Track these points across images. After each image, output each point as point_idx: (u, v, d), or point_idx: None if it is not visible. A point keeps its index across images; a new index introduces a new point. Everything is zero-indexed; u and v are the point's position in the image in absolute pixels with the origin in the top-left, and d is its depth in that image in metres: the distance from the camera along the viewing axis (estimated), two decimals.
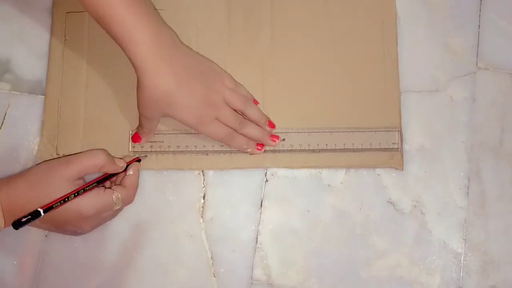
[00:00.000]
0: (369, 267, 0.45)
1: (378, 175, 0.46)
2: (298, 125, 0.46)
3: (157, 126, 0.45)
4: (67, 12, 0.47)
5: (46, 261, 0.45)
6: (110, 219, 0.44)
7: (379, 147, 0.45)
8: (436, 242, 0.45)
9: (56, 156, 0.45)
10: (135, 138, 0.46)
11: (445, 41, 0.48)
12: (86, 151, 0.44)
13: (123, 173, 0.44)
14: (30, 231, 0.45)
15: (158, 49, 0.40)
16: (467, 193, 0.46)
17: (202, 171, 0.46)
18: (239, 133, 0.45)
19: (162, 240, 0.45)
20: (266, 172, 0.46)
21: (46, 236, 0.45)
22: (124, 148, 0.46)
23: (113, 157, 0.43)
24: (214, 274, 0.45)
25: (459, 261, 0.45)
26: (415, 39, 0.49)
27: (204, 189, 0.46)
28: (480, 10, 0.49)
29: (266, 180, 0.46)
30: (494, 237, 0.45)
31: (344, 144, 0.46)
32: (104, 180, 0.43)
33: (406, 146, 0.47)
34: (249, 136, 0.45)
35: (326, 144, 0.46)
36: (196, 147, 0.46)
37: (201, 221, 0.46)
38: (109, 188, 0.43)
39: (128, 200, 0.44)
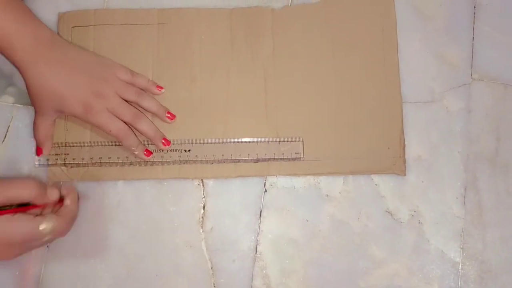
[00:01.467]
0: (368, 276, 0.45)
1: (376, 185, 0.47)
2: (301, 133, 0.47)
3: (52, 130, 0.45)
4: (73, 27, 0.48)
5: (47, 271, 0.45)
6: (38, 247, 0.42)
7: (282, 157, 0.46)
8: (434, 251, 0.45)
9: (64, 168, 0.46)
10: (38, 151, 0.46)
11: (440, 53, 0.49)
12: (18, 179, 0.43)
13: (59, 204, 0.43)
14: None
15: (36, 48, 0.42)
16: (464, 202, 0.46)
17: (202, 181, 0.47)
18: (135, 128, 0.45)
19: (162, 250, 0.46)
20: (265, 182, 0.47)
21: (47, 247, 0.45)
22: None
23: (46, 186, 0.42)
24: (214, 284, 0.45)
25: (457, 270, 0.45)
26: (411, 51, 0.49)
27: (204, 199, 0.46)
28: (474, 23, 0.50)
29: (265, 191, 0.47)
30: (491, 246, 0.46)
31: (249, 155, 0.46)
32: (24, 206, 0.41)
33: None
34: (143, 132, 0.45)
35: (240, 154, 0.46)
36: (101, 159, 0.46)
37: (201, 231, 0.46)
38: (40, 215, 0.41)
39: (60, 231, 0.41)
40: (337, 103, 0.48)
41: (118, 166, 0.46)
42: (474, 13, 0.50)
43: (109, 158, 0.46)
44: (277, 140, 0.47)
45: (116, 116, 0.44)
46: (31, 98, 0.43)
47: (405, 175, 0.46)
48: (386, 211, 0.46)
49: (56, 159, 0.46)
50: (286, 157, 0.46)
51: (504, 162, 0.47)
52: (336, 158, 0.47)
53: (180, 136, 0.47)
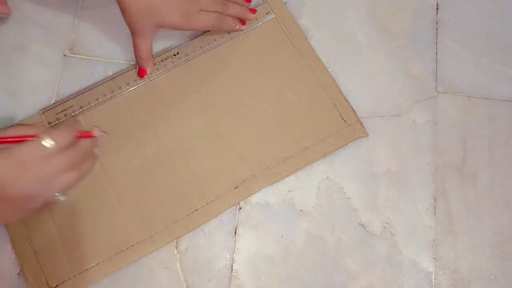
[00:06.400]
0: None
1: (349, 198, 0.47)
2: (260, 162, 0.47)
3: (151, 47, 0.48)
4: None
5: None
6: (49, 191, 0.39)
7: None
8: (407, 262, 0.46)
9: None
10: (140, 72, 0.48)
11: (406, 68, 0.51)
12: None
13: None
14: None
15: None
16: (434, 212, 0.47)
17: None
18: (226, 14, 0.48)
19: (137, 272, 0.45)
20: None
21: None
22: (121, 242, 0.45)
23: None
24: None
25: (431, 280, 0.46)
26: (377, 67, 0.51)
27: None
28: (436, 38, 0.52)
29: (240, 208, 0.47)
30: (462, 254, 0.46)
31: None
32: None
33: (373, 169, 0.48)
34: (234, 14, 0.49)
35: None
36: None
37: (176, 252, 0.46)
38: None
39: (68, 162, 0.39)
40: (278, 109, 0.49)
41: (105, 261, 0.45)
42: (437, 29, 0.52)
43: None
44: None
45: (208, 11, 0.47)
46: (129, 20, 0.45)
47: (368, 135, 0.48)
48: (359, 223, 0.47)
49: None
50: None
51: (471, 171, 0.49)
52: (302, 150, 0.48)
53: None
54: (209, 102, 0.49)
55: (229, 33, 0.51)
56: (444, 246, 0.47)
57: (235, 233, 0.46)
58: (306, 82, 0.50)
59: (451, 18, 0.53)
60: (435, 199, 0.48)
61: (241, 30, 0.51)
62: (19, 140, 0.38)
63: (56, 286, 0.44)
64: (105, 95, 0.48)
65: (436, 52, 0.52)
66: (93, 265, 0.44)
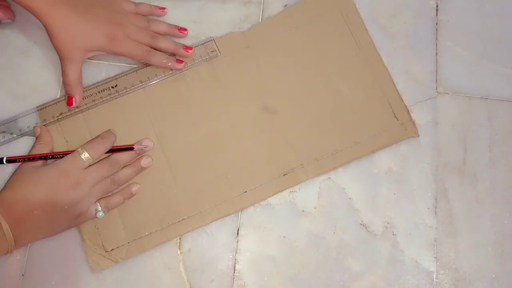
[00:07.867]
0: None
1: (350, 198, 0.48)
2: (309, 153, 0.48)
3: (81, 74, 0.46)
4: (59, 116, 0.48)
5: None
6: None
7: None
8: (408, 261, 0.46)
9: (106, 253, 0.45)
10: (69, 101, 0.46)
11: (406, 68, 0.51)
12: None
13: None
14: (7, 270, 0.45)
15: None
16: (435, 212, 0.48)
17: None
18: (154, 47, 0.47)
19: (140, 273, 0.45)
20: None
21: (22, 275, 0.45)
22: (173, 214, 0.46)
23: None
24: None
25: (432, 280, 0.46)
26: None
27: None
28: (436, 39, 0.52)
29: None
30: (463, 254, 0.47)
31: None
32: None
33: (374, 170, 0.48)
34: (163, 48, 0.48)
35: None
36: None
37: (179, 252, 0.46)
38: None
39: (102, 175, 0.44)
40: (332, 101, 0.49)
41: (158, 231, 0.46)
42: (436, 30, 0.53)
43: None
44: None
45: (135, 41, 0.46)
46: (56, 42, 0.44)
47: (419, 135, 0.48)
48: (361, 224, 0.47)
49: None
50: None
51: (472, 171, 0.49)
52: (352, 145, 0.48)
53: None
54: (264, 89, 0.49)
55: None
56: (445, 245, 0.47)
57: (238, 233, 0.47)
58: (362, 76, 0.50)
59: (450, 19, 0.53)
60: (436, 199, 0.48)
61: (177, 70, 0.48)
62: (60, 155, 0.44)
63: (111, 250, 0.45)
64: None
65: (436, 53, 0.52)
66: (146, 234, 0.46)
